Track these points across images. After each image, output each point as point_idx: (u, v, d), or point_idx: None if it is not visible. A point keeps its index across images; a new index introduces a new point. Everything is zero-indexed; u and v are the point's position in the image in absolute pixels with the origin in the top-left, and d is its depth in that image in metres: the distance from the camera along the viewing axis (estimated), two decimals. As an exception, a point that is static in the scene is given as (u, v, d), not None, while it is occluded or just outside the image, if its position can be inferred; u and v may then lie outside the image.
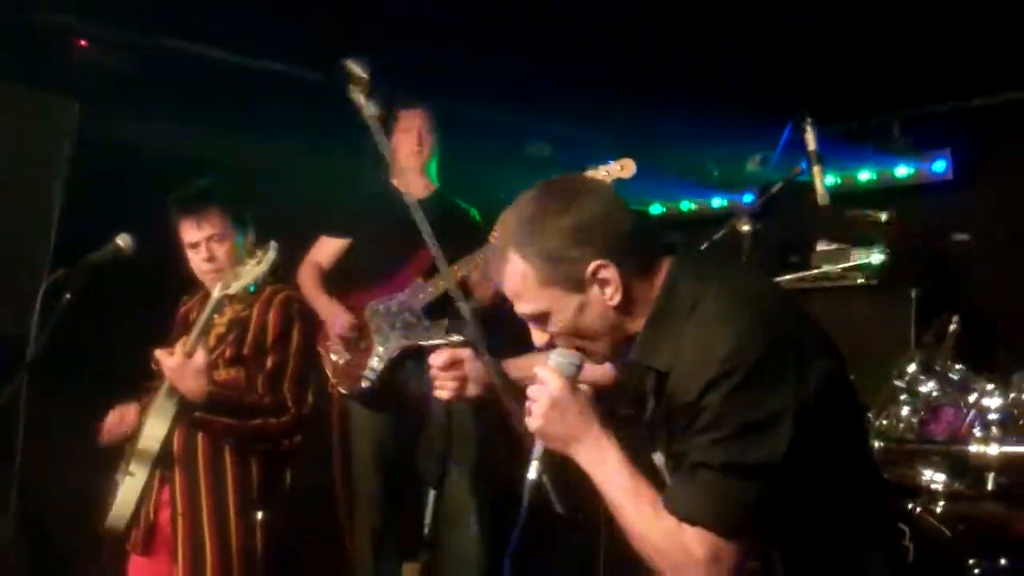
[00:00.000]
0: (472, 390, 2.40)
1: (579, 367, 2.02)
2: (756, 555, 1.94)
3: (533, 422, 1.98)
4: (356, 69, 2.30)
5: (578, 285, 1.96)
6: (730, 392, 1.82)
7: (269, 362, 3.20)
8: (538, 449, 2.00)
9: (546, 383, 1.97)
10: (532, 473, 1.99)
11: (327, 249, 4.59)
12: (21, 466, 2.99)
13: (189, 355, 2.96)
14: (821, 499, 1.94)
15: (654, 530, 1.87)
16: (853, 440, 2.04)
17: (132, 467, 3.11)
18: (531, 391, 1.99)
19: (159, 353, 3.03)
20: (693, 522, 1.84)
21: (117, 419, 3.27)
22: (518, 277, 1.99)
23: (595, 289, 1.97)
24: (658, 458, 2.10)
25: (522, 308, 2.03)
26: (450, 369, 2.41)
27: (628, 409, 2.15)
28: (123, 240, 3.27)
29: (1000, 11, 4.09)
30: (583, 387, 2.03)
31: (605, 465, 1.94)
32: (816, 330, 2.01)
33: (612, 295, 1.97)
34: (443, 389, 2.41)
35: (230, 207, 3.29)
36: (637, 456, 2.01)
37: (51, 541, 4.34)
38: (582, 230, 1.94)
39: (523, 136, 5.80)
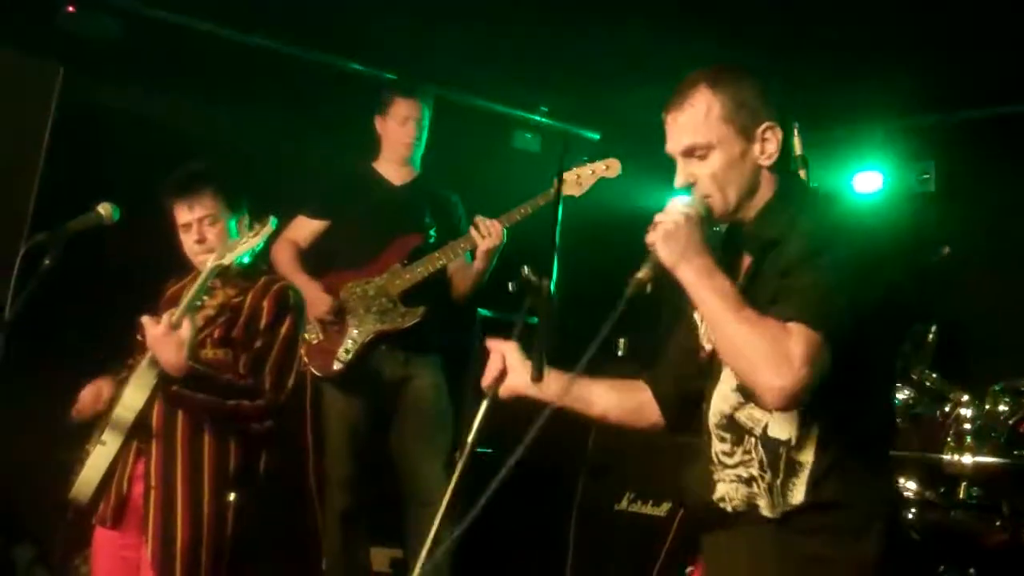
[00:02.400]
0: (503, 390, 2.47)
1: (703, 215, 2.17)
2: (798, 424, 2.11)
3: (659, 230, 2.11)
4: (533, 280, 2.39)
5: (748, 135, 2.18)
6: (833, 254, 2.04)
7: (256, 345, 3.19)
8: (649, 258, 2.13)
9: (679, 207, 2.14)
10: (640, 273, 2.12)
11: (304, 229, 4.56)
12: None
13: (175, 326, 2.94)
14: (868, 399, 2.14)
15: (756, 331, 2.00)
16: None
17: (105, 436, 3.07)
18: (663, 213, 2.14)
19: (145, 320, 3.00)
20: (798, 319, 1.98)
21: (93, 395, 3.21)
22: (704, 107, 2.18)
23: (757, 145, 2.19)
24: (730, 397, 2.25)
25: (691, 138, 2.19)
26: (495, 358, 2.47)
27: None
28: (104, 208, 3.21)
29: (988, 26, 4.13)
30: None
31: (712, 279, 2.07)
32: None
33: (771, 154, 2.19)
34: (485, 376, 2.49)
35: (223, 190, 3.27)
36: None
37: (18, 507, 4.30)
38: (770, 94, 2.21)
39: (512, 128, 5.79)
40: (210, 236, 3.23)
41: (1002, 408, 3.28)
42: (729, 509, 2.18)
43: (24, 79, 4.17)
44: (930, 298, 4.81)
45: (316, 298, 4.30)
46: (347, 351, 4.31)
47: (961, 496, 3.25)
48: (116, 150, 4.47)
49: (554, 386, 2.36)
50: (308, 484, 4.37)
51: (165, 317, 2.95)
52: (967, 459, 3.20)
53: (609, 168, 4.29)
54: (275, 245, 4.38)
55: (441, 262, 4.37)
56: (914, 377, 3.48)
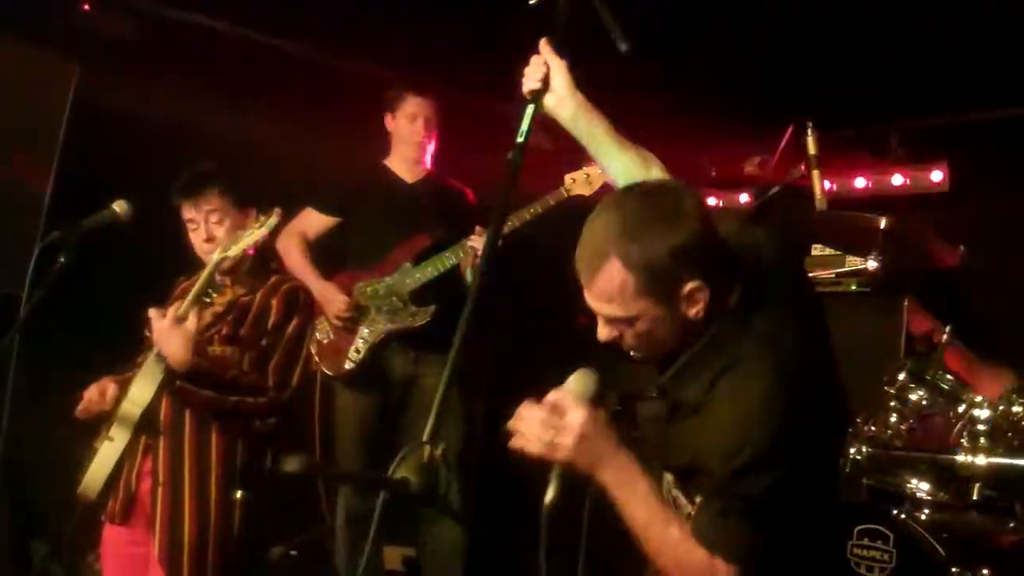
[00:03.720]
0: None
1: (597, 389, 2.07)
2: None
3: (562, 453, 1.99)
4: None
5: (671, 300, 2.02)
6: (755, 463, 1.96)
7: (262, 344, 3.20)
8: (555, 475, 2.01)
9: (570, 411, 2.01)
10: (550, 495, 1.99)
11: (313, 222, 4.55)
12: (8, 425, 2.94)
13: (181, 319, 2.95)
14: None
15: (679, 554, 2.01)
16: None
17: (112, 432, 3.07)
18: (549, 421, 2.00)
19: (152, 312, 3.01)
20: (717, 552, 1.98)
21: (98, 393, 3.21)
22: (616, 283, 2.01)
23: (684, 306, 2.03)
24: (667, 479, 2.22)
25: (609, 311, 2.05)
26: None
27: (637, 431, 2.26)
28: (120, 206, 3.21)
29: (1001, 27, 4.11)
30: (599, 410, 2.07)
31: (634, 485, 2.02)
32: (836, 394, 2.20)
33: (697, 313, 2.04)
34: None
35: (230, 188, 3.28)
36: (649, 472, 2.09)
37: (31, 502, 4.32)
38: (688, 250, 1.98)
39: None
40: (218, 234, 3.24)
41: (1016, 409, 3.26)
42: None
43: (41, 77, 4.19)
44: (945, 298, 4.82)
45: (333, 298, 4.31)
46: (358, 351, 4.32)
47: (975, 497, 3.24)
48: (131, 149, 4.48)
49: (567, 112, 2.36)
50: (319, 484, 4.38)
51: (171, 310, 2.97)
52: (981, 460, 3.18)
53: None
54: (282, 237, 4.37)
55: (451, 261, 4.37)
56: (927, 378, 3.47)
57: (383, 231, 4.48)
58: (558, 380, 2.24)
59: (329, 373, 4.33)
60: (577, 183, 4.30)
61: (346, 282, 4.42)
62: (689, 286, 2.00)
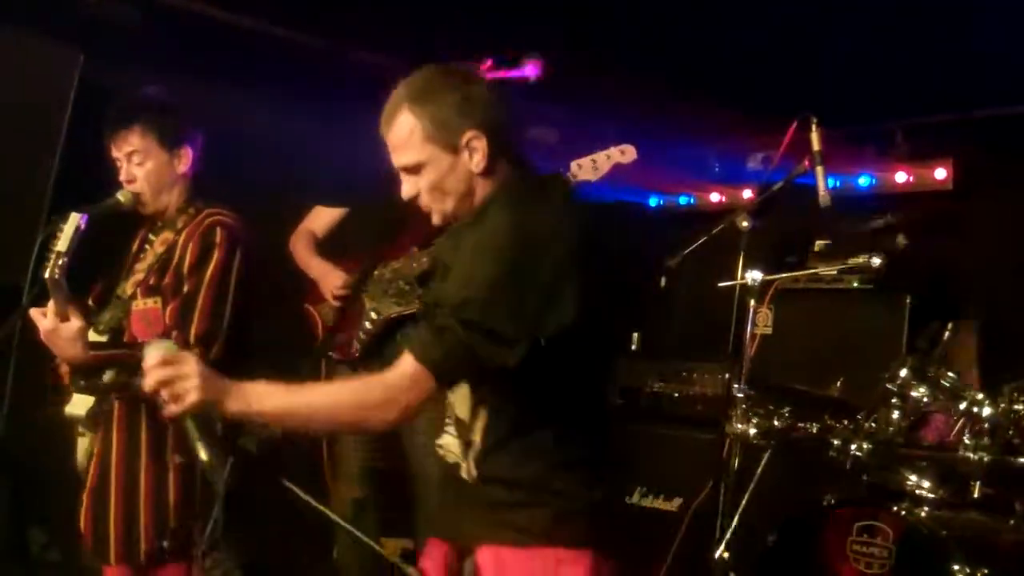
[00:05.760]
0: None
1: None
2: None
3: (194, 395, 2.14)
4: None
5: (454, 148, 2.32)
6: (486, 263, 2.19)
7: (183, 291, 2.97)
8: (193, 432, 2.21)
9: (180, 360, 2.18)
10: (204, 455, 2.21)
11: (322, 218, 4.55)
12: (8, 406, 2.93)
13: (62, 318, 2.79)
14: (535, 392, 2.27)
15: (372, 386, 2.22)
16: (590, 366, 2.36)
17: (81, 428, 3.08)
18: (163, 376, 2.15)
19: (33, 313, 2.83)
20: (428, 366, 2.16)
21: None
22: (407, 130, 2.32)
23: (465, 155, 2.32)
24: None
25: (403, 158, 2.35)
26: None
27: None
28: (124, 195, 3.18)
29: (1007, 25, 4.11)
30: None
31: (270, 391, 2.19)
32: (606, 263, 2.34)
33: (478, 163, 2.33)
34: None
35: (155, 124, 3.08)
36: None
37: (29, 490, 4.32)
38: (467, 104, 2.32)
39: (528, 119, 5.77)
40: (139, 175, 3.05)
41: (1017, 407, 3.26)
42: (450, 460, 2.42)
43: (44, 64, 4.17)
44: (946, 296, 4.82)
45: (327, 272, 4.30)
46: (365, 333, 4.30)
47: (975, 495, 3.24)
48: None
49: None
50: (322, 473, 4.37)
51: (50, 309, 2.80)
52: (981, 458, 3.18)
53: (624, 153, 4.27)
54: (293, 239, 4.39)
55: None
56: (929, 375, 3.46)
57: (389, 218, 4.46)
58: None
59: (337, 357, 4.32)
60: (583, 169, 4.29)
61: (350, 267, 4.41)
62: (469, 134, 2.31)
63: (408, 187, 2.38)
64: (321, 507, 2.33)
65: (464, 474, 2.37)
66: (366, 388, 2.25)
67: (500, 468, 2.30)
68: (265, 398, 2.18)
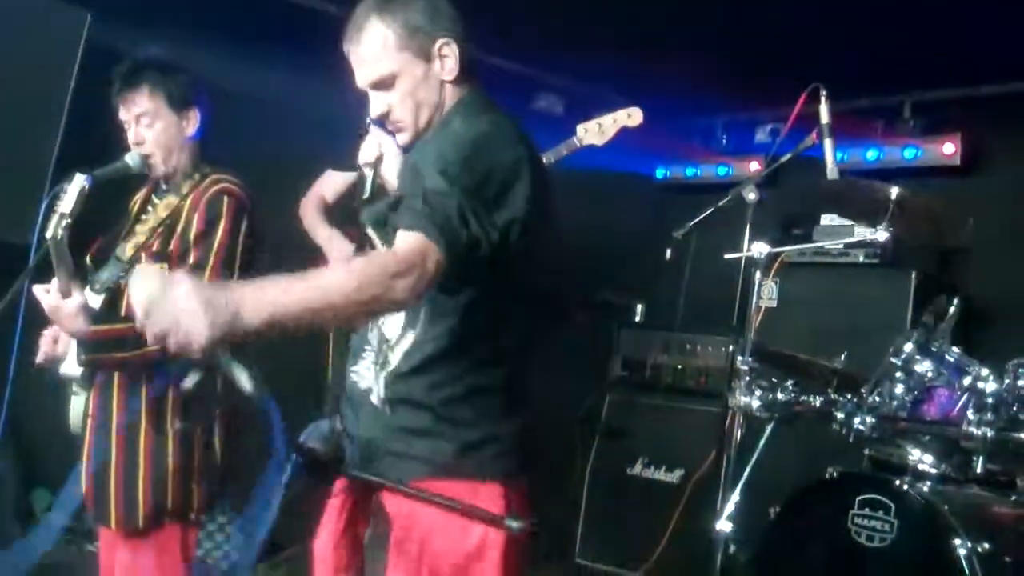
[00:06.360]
0: None
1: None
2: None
3: (200, 339, 1.82)
4: None
5: (427, 55, 2.30)
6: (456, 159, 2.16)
7: (190, 260, 2.91)
8: (226, 363, 1.98)
9: (174, 285, 1.84)
10: (247, 385, 1.96)
11: (333, 183, 4.52)
12: (15, 372, 2.93)
13: (65, 295, 2.77)
14: (462, 315, 2.22)
15: (382, 263, 2.06)
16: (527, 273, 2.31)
17: (74, 387, 3.05)
18: (159, 328, 1.83)
19: (36, 290, 2.81)
20: (430, 235, 2.06)
21: (51, 341, 3.05)
22: (378, 40, 2.28)
23: (437, 62, 2.31)
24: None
25: (374, 72, 2.30)
26: None
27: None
28: (132, 158, 3.14)
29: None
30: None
31: (280, 294, 1.91)
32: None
33: (451, 70, 2.32)
34: None
35: (163, 85, 3.01)
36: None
37: (34, 452, 4.33)
38: (437, 11, 2.32)
39: (533, 89, 5.75)
40: (148, 137, 3.00)
41: (1021, 383, 3.26)
42: (362, 387, 2.35)
43: (51, 25, 4.15)
44: (952, 271, 4.82)
45: (333, 238, 4.27)
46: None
47: (977, 470, 3.23)
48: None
49: None
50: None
51: (53, 285, 2.78)
52: (984, 433, 3.17)
53: (631, 117, 4.24)
54: (302, 203, 4.37)
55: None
56: (934, 349, 3.46)
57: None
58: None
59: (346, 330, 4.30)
60: (589, 133, 4.27)
61: (356, 234, 4.39)
62: (440, 41, 2.30)
63: (378, 104, 2.34)
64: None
65: (374, 398, 2.30)
66: (381, 257, 2.16)
67: (411, 390, 2.24)
68: (282, 296, 1.90)
